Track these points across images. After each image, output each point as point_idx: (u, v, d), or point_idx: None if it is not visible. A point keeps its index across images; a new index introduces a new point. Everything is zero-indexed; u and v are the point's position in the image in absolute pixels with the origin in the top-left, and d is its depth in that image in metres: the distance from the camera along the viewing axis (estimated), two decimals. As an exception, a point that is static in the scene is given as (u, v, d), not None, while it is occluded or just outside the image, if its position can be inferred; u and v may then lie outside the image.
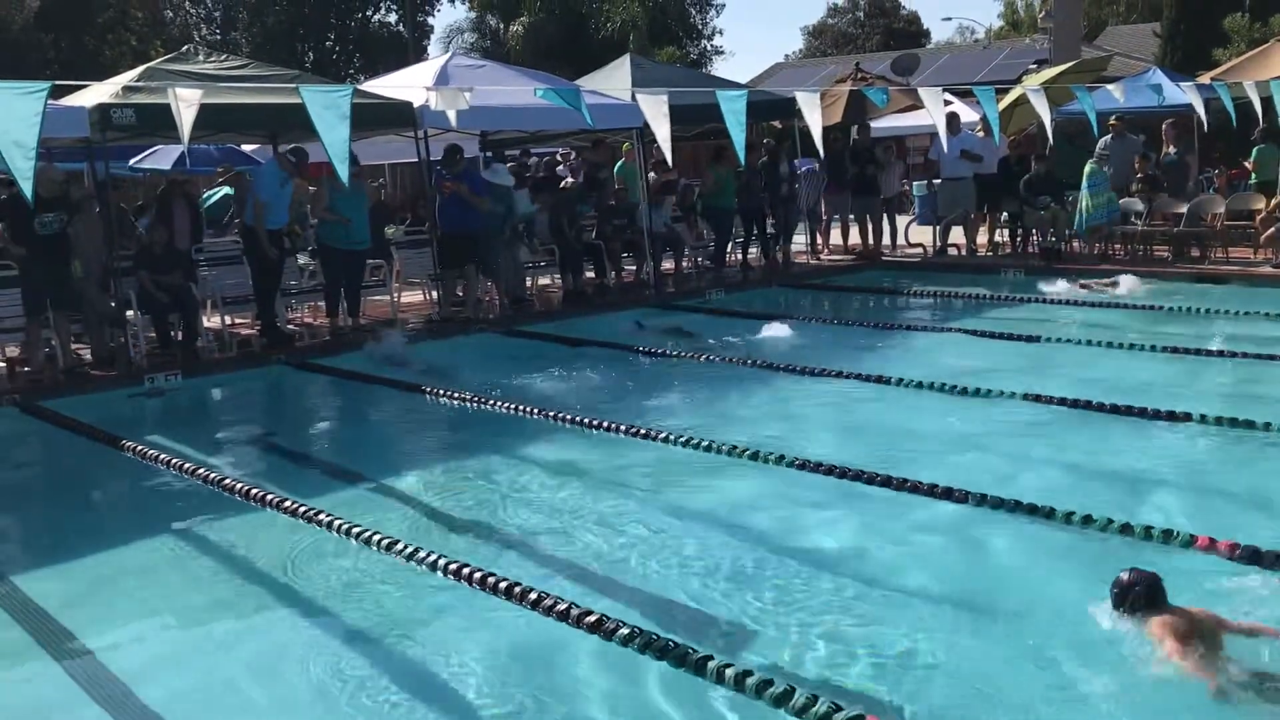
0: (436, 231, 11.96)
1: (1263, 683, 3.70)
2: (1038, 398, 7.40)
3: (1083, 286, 12.17)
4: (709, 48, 43.19)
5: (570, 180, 15.61)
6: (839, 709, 3.49)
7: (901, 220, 17.21)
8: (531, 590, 4.56)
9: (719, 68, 43.72)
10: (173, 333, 10.54)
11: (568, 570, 5.16)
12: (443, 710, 4.00)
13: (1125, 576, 4.11)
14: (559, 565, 5.24)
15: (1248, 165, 14.40)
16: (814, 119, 11.10)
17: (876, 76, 19.23)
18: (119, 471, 7.37)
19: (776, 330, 10.69)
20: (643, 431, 7.15)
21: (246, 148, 16.42)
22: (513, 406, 8.13)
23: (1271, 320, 9.82)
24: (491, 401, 8.30)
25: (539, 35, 36.24)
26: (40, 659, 4.58)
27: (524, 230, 13.04)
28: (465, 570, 4.85)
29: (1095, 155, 14.01)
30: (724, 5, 58.93)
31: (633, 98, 10.91)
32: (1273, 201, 12.52)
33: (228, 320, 11.54)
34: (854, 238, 16.19)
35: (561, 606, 4.38)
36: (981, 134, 14.16)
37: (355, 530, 5.51)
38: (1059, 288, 12.13)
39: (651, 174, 14.37)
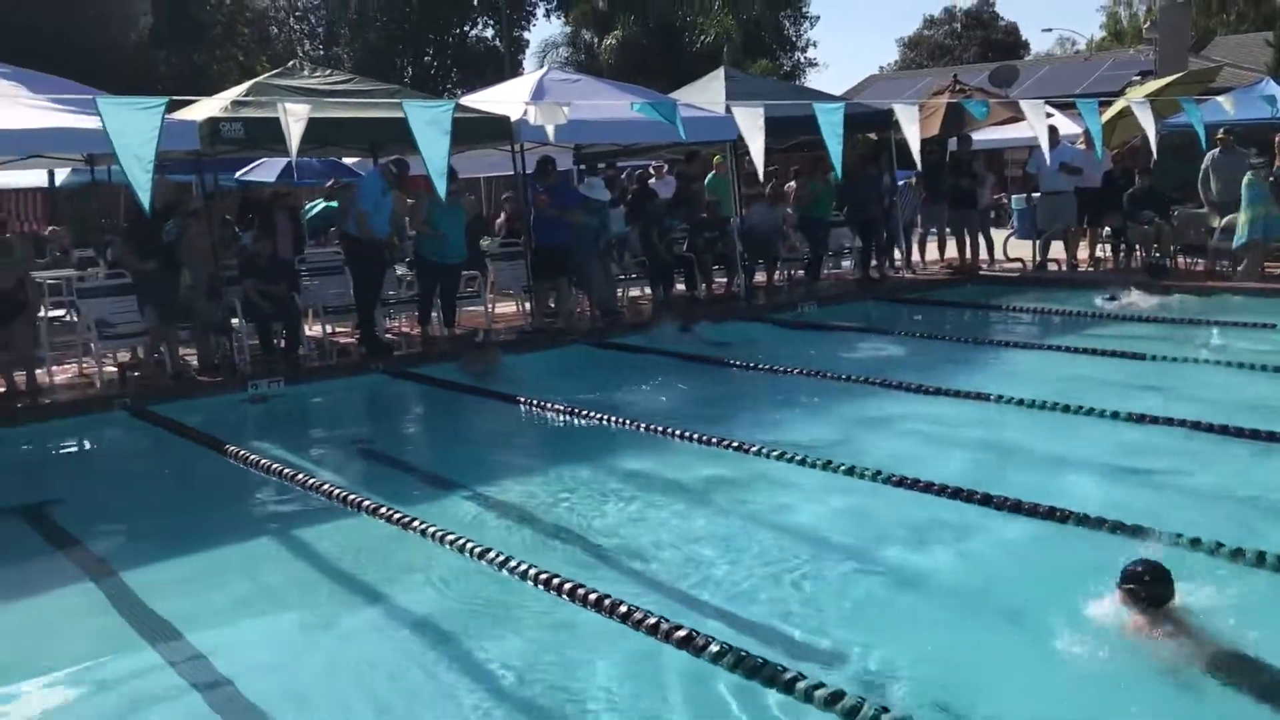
0: (531, 244, 12.09)
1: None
2: (1141, 417, 7.20)
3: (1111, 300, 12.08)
4: (802, 60, 43.00)
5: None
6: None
7: (999, 234, 16.90)
8: (621, 603, 4.57)
9: (812, 79, 43.53)
10: (276, 341, 10.82)
11: (655, 583, 5.16)
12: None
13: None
14: (647, 578, 5.24)
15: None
16: (912, 132, 10.99)
17: (975, 88, 18.92)
18: (222, 475, 7.58)
19: (870, 345, 10.58)
20: (734, 444, 7.13)
21: (347, 160, 16.82)
22: (603, 417, 8.18)
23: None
24: (582, 412, 8.36)
25: (632, 49, 36.45)
26: (143, 650, 4.72)
27: (615, 244, 13.11)
28: (555, 581, 4.88)
29: (1202, 170, 13.59)
30: (818, 17, 58.80)
31: (727, 110, 10.91)
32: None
33: (328, 329, 11.81)
34: (950, 251, 15.96)
35: (651, 621, 4.38)
36: (1084, 146, 13.85)
37: (449, 537, 5.59)
38: (1156, 303, 11.80)
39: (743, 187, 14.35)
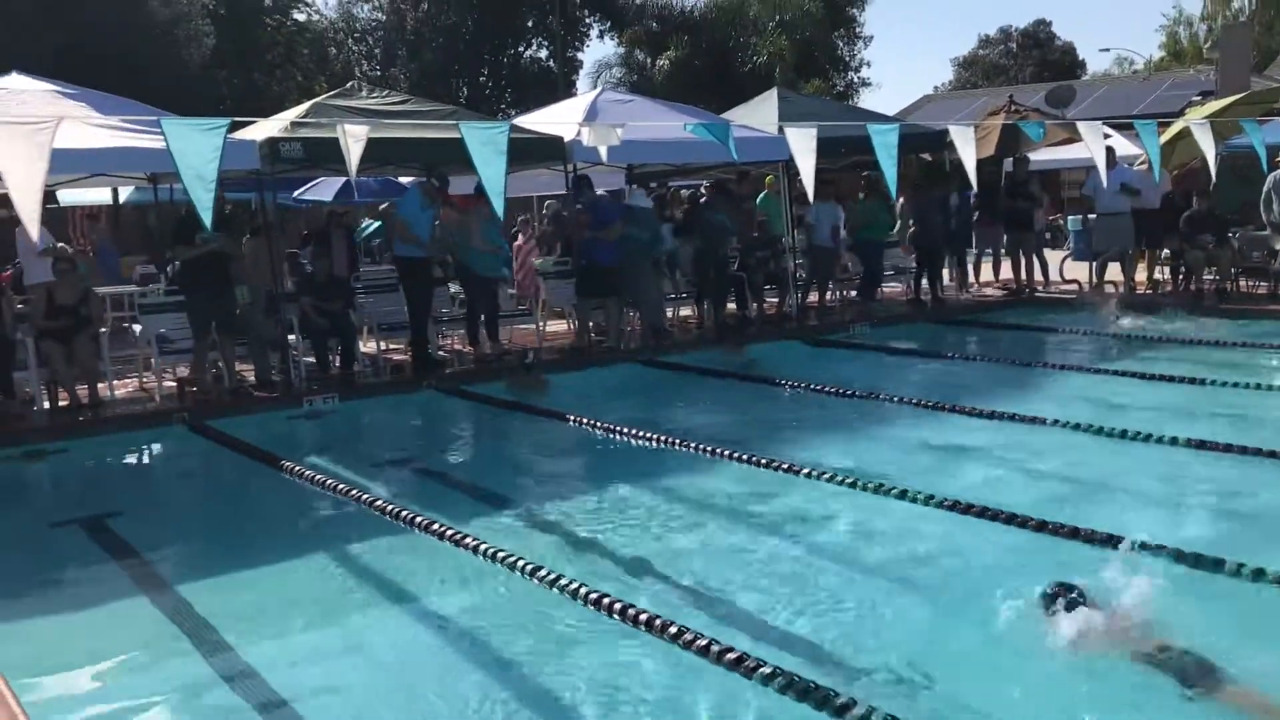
0: (581, 262, 12.15)
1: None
2: (1202, 444, 7.06)
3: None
4: (856, 80, 42.87)
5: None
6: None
7: (1054, 256, 16.69)
8: (671, 624, 4.56)
9: (866, 99, 43.36)
10: (331, 357, 10.95)
11: (703, 602, 5.14)
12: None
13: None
14: (696, 597, 5.22)
15: None
16: (968, 152, 10.87)
17: (1030, 109, 18.74)
18: (277, 489, 7.68)
19: (924, 367, 10.48)
20: (785, 466, 7.10)
21: (404, 179, 17.00)
22: (652, 436, 8.18)
23: None
24: (630, 431, 8.36)
25: (685, 69, 36.57)
26: (197, 663, 4.77)
27: (666, 262, 13.13)
28: (605, 600, 4.88)
29: (1264, 192, 13.33)
30: (872, 37, 58.48)
31: (780, 131, 10.89)
32: None
33: (382, 346, 11.95)
34: (1005, 272, 15.78)
35: (702, 642, 4.37)
36: (1144, 167, 13.65)
37: (499, 554, 5.61)
38: (1213, 328, 11.58)
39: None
